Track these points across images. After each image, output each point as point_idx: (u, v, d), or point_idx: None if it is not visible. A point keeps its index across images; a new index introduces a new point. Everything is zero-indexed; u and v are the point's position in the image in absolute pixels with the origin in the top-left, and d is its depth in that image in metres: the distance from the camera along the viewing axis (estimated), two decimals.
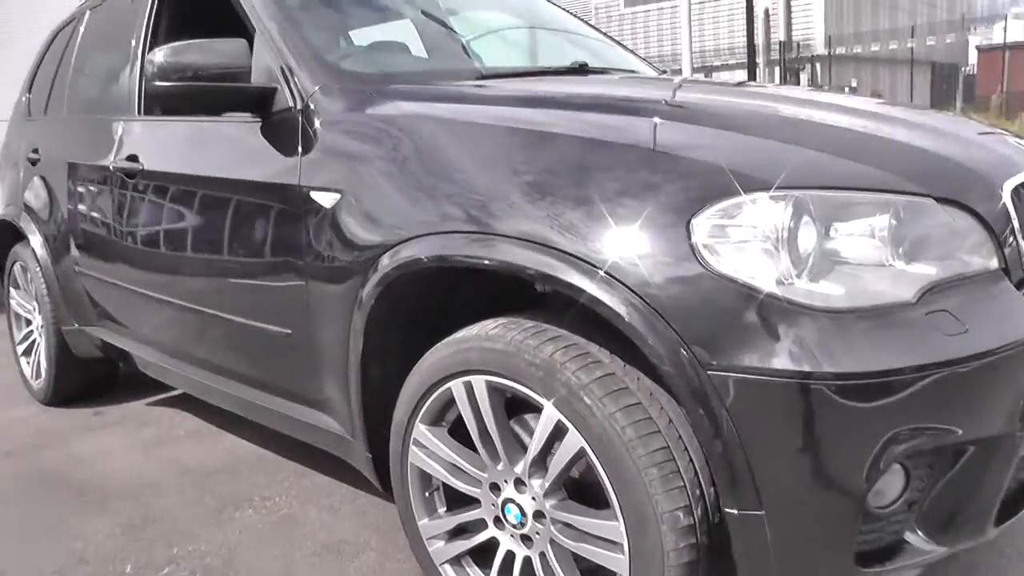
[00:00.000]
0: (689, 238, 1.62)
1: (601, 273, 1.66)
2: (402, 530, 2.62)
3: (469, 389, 1.95)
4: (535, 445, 1.85)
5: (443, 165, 2.04)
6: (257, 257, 2.54)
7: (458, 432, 2.09)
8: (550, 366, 1.77)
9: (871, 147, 1.87)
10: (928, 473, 1.69)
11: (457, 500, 2.18)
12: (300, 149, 2.35)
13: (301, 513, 2.80)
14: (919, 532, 1.73)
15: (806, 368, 1.53)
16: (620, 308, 1.64)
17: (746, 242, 1.61)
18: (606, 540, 1.80)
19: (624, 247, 1.67)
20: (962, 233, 1.69)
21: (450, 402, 2.04)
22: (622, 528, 1.73)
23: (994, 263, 1.74)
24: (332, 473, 3.05)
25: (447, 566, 2.17)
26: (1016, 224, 1.78)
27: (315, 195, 2.27)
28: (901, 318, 1.59)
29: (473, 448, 2.09)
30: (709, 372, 1.58)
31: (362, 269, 2.15)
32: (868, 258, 1.62)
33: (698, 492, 1.71)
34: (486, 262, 1.86)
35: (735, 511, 1.62)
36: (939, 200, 1.69)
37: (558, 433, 1.80)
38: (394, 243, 2.07)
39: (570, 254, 1.71)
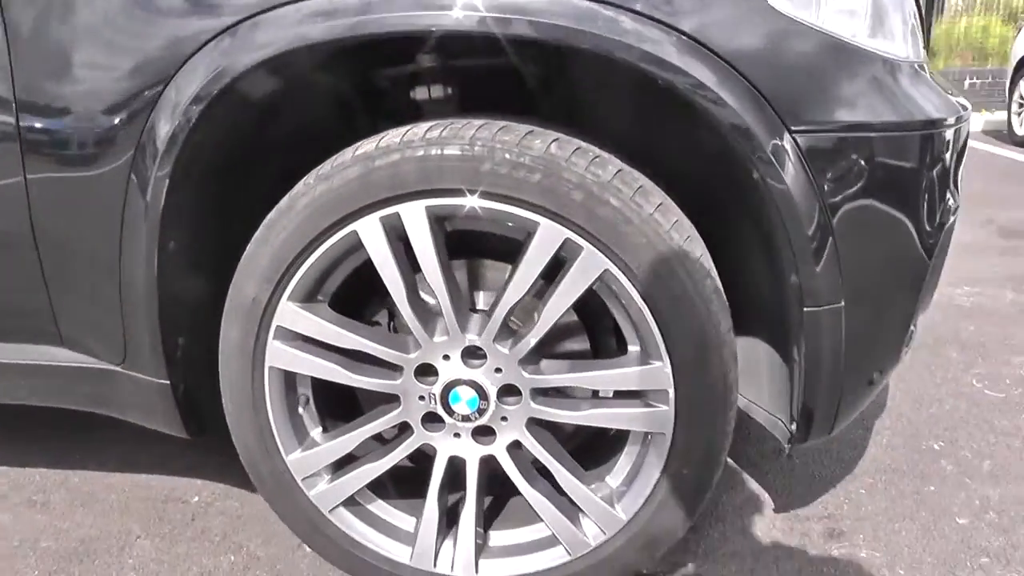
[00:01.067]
0: None
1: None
2: (167, 503, 1.81)
3: (393, 226, 1.28)
4: (519, 285, 1.28)
5: None
6: None
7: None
8: (550, 164, 1.22)
9: None
10: None
11: (343, 412, 1.49)
12: None
13: None
14: None
15: (899, 118, 1.26)
16: (685, 63, 1.18)
17: None
18: (633, 396, 1.34)
19: None
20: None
21: (341, 259, 1.34)
22: (668, 369, 1.28)
23: None
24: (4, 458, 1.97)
25: (342, 511, 1.47)
26: None
27: None
28: (930, 75, 1.42)
29: (371, 322, 1.43)
30: (795, 134, 1.22)
31: (152, 78, 1.30)
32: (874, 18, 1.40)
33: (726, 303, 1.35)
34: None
35: (816, 307, 1.30)
36: None
37: (551, 263, 1.28)
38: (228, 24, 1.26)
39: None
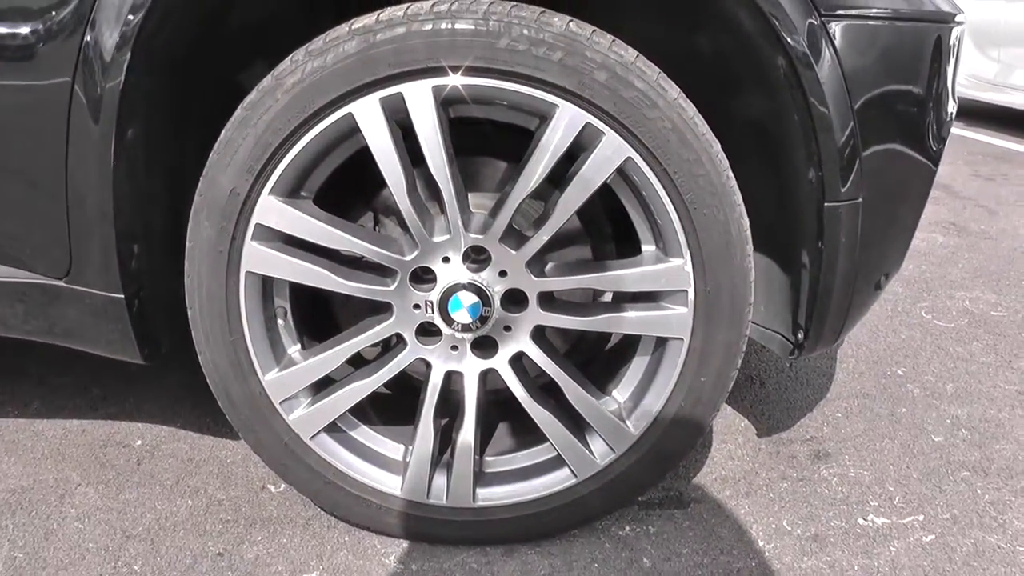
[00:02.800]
0: None
1: None
2: (107, 448, 1.63)
3: (393, 109, 1.14)
4: (532, 175, 1.16)
5: None
6: None
7: None
8: (572, 42, 1.11)
9: None
10: None
11: (317, 330, 1.35)
12: None
13: None
14: None
15: (922, 8, 1.24)
16: None
17: None
18: (647, 298, 1.25)
19: None
20: None
21: (331, 147, 1.19)
22: (688, 267, 1.21)
23: None
24: None
25: (325, 438, 1.33)
26: None
27: None
28: None
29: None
30: (826, 19, 1.15)
31: None
32: None
33: None
34: None
35: (836, 203, 1.24)
36: None
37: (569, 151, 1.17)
38: None
39: None
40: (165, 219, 1.35)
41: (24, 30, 1.17)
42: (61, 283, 1.31)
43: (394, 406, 1.43)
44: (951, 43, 1.31)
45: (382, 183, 1.19)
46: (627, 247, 1.34)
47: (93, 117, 1.18)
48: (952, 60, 1.35)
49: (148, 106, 1.23)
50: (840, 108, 1.19)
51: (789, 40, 1.15)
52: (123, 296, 1.29)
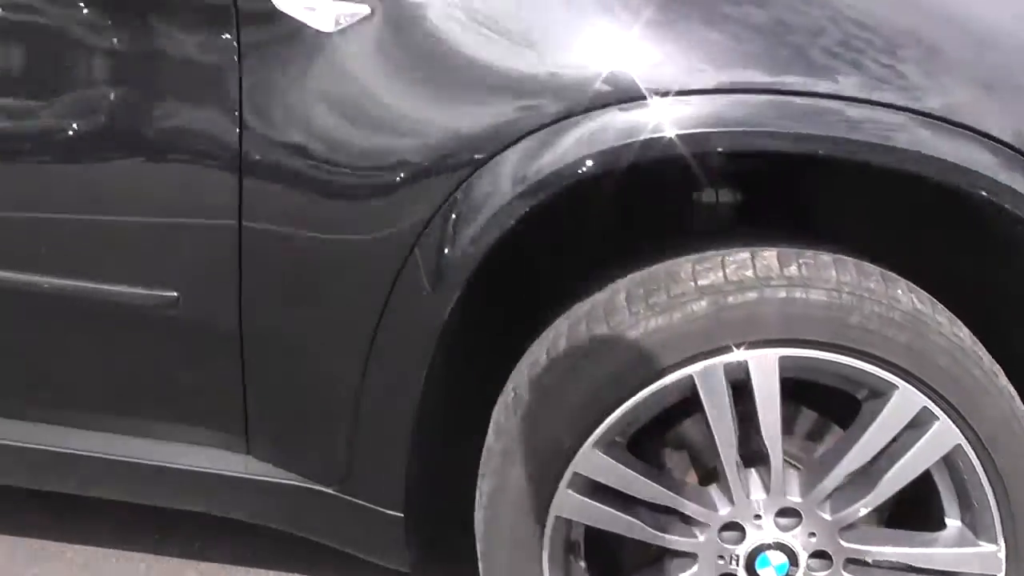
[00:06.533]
0: None
1: None
2: None
3: (737, 373, 1.14)
4: (862, 452, 1.16)
5: None
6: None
7: None
8: (918, 322, 1.13)
9: None
10: None
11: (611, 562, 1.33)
12: None
13: None
14: None
15: None
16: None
17: None
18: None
19: None
20: None
21: (658, 404, 1.19)
22: (1002, 553, 1.19)
23: None
24: None
25: None
26: None
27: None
28: None
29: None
30: None
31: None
32: None
33: None
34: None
35: None
36: None
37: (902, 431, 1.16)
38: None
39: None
40: (445, 431, 1.33)
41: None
42: (331, 491, 1.28)
43: None
44: None
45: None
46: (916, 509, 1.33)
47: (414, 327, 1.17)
48: None
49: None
50: None
51: None
52: (402, 515, 1.26)
